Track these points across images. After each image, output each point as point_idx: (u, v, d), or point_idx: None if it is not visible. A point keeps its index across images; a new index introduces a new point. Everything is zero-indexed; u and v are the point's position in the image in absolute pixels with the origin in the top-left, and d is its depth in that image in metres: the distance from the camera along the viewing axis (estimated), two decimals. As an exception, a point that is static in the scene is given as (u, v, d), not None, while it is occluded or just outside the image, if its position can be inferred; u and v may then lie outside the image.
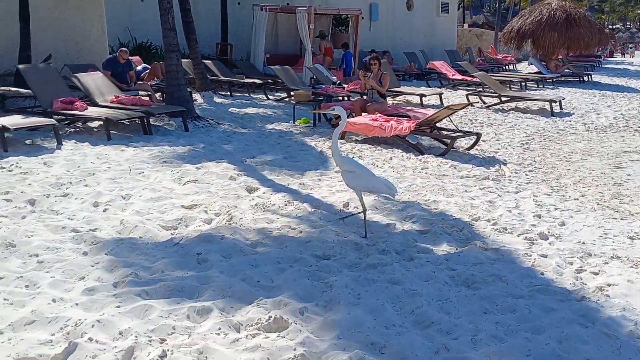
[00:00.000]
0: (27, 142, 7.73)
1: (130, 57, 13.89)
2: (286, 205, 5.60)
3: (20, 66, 9.24)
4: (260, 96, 14.63)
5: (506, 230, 5.14)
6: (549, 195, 6.56)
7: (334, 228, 4.99)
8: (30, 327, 3.08)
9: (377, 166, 7.62)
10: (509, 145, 9.54)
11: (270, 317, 3.24)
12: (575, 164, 8.48)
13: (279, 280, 3.83)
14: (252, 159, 7.67)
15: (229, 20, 18.76)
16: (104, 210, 5.13)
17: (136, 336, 2.98)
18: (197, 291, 3.58)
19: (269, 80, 15.66)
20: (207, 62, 15.59)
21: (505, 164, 8.13)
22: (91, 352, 2.81)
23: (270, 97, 14.58)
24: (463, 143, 9.27)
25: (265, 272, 3.93)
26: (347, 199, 5.84)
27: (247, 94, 14.72)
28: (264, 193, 6.00)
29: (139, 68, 13.31)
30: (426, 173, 7.32)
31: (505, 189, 6.70)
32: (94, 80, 9.72)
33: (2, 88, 10.47)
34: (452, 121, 9.64)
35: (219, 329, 3.12)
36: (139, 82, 12.15)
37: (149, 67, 13.12)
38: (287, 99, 13.86)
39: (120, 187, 5.92)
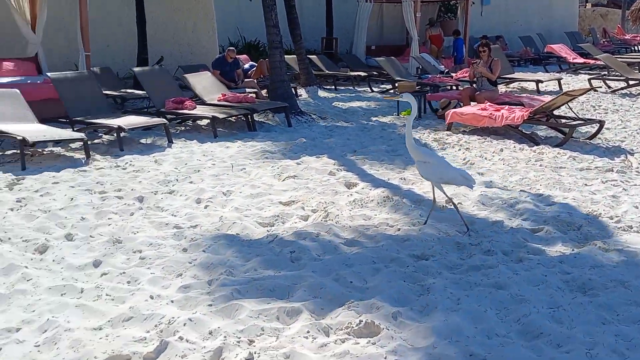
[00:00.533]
0: (142, 141, 8.15)
1: (238, 56, 14.36)
2: (385, 201, 5.39)
3: (136, 69, 9.77)
4: (365, 89, 14.47)
5: (632, 228, 4.58)
6: (686, 188, 5.79)
7: (436, 225, 4.72)
8: (127, 324, 3.15)
9: (485, 158, 7.18)
10: (638, 134, 8.61)
11: (361, 321, 3.08)
12: None
13: (373, 281, 3.65)
14: (353, 153, 7.53)
15: (334, 14, 18.74)
16: (205, 207, 5.23)
17: (225, 336, 2.95)
18: (288, 291, 3.49)
19: (374, 72, 15.44)
20: (312, 57, 15.67)
21: (632, 154, 7.33)
22: (181, 352, 2.81)
23: (375, 89, 14.37)
24: (584, 132, 8.51)
25: (359, 273, 3.76)
26: (451, 194, 5.51)
27: (351, 87, 14.61)
28: (362, 188, 5.83)
29: (246, 66, 13.65)
30: (540, 165, 6.77)
31: (632, 182, 6.02)
32: (203, 80, 10.07)
33: (122, 90, 11.17)
34: (571, 108, 8.88)
35: (308, 332, 3.00)
36: (246, 79, 12.45)
37: (256, 64, 13.42)
38: (392, 91, 13.58)
39: (222, 183, 6.02)
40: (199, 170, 6.54)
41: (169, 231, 4.59)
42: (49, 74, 8.60)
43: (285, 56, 15.55)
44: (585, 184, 5.93)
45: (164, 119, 8.29)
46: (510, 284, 3.56)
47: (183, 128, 9.20)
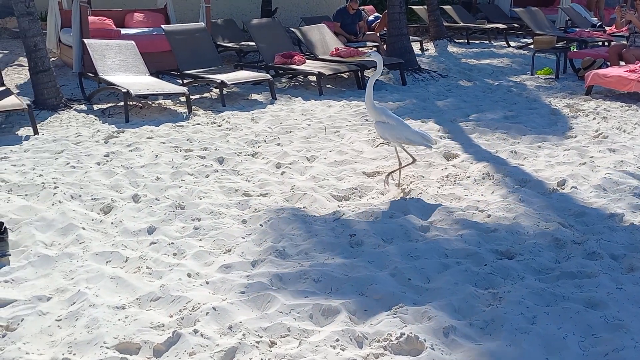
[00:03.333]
0: (249, 97, 8.00)
1: (364, 7, 13.71)
2: (483, 178, 4.68)
3: (251, 21, 9.59)
4: (501, 43, 13.15)
5: None
6: None
7: (538, 213, 3.96)
8: (153, 304, 2.94)
9: (624, 131, 6.04)
10: None
11: (403, 333, 2.57)
12: None
13: (436, 281, 3.09)
14: (465, 118, 6.74)
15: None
16: (282, 173, 4.90)
17: (244, 334, 2.61)
18: (333, 284, 3.06)
19: (515, 25, 13.98)
20: (447, 7, 14.54)
21: None
22: (190, 348, 2.53)
23: (513, 44, 12.99)
24: None
25: (423, 269, 3.21)
26: (567, 175, 4.65)
27: (486, 42, 13.36)
28: (462, 161, 5.13)
29: (370, 18, 12.99)
30: (695, 143, 5.53)
31: None
32: (316, 33, 9.64)
33: (242, 43, 11.13)
34: None
35: (337, 340, 2.56)
36: (369, 32, 11.83)
37: (381, 16, 12.69)
38: (530, 46, 12.16)
39: (310, 147, 5.65)
40: (291, 131, 6.22)
41: (235, 198, 4.34)
42: (163, 26, 8.70)
43: (415, 7, 14.73)
44: None
45: (268, 75, 8.03)
46: (608, 302, 2.81)
47: (292, 84, 8.92)
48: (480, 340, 2.58)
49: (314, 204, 4.23)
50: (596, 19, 13.78)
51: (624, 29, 9.46)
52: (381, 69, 4.47)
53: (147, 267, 3.32)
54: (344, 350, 2.52)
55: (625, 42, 8.72)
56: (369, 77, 8.76)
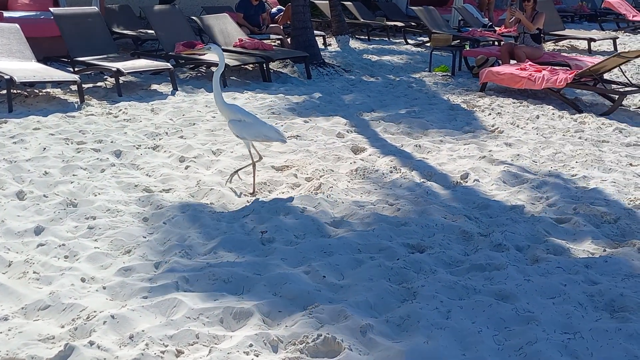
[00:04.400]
0: (147, 87, 7.58)
1: (266, -1, 13.50)
2: (391, 172, 4.70)
3: (146, 9, 9.10)
4: (400, 41, 13.48)
5: (683, 226, 3.78)
6: None
7: (445, 205, 4.03)
8: (41, 314, 2.64)
9: (518, 126, 6.34)
10: (700, 105, 7.54)
11: (320, 335, 2.47)
12: None
13: (350, 278, 3.03)
14: (370, 113, 6.79)
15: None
16: (186, 168, 4.65)
17: (147, 344, 2.39)
18: (245, 284, 2.90)
19: (412, 23, 14.38)
20: (348, 3, 14.66)
21: (691, 130, 6.36)
22: (86, 362, 2.27)
23: (411, 41, 13.36)
24: (636, 100, 7.51)
25: (337, 265, 3.14)
26: (468, 169, 4.79)
27: (386, 39, 13.63)
28: (369, 155, 5.14)
29: (273, 10, 12.81)
30: (580, 138, 5.90)
31: (688, 165, 5.13)
32: (220, 23, 9.34)
33: (139, 31, 10.56)
34: (624, 72, 7.84)
35: (251, 345, 2.41)
36: (272, 25, 11.66)
37: (284, 9, 12.56)
38: (428, 44, 12.56)
39: (215, 140, 5.42)
40: (194, 124, 5.94)
41: (135, 194, 4.04)
42: (51, 9, 8.03)
43: (318, 2, 14.73)
44: (631, 164, 5.09)
45: (169, 64, 7.66)
46: (518, 293, 2.88)
47: (194, 74, 8.58)
48: (397, 338, 2.54)
49: (221, 199, 4.04)
50: (487, 19, 14.50)
51: (512, 28, 9.96)
52: (223, 64, 4.31)
53: (34, 272, 2.98)
54: (258, 356, 2.38)
55: (514, 42, 9.20)
56: (272, 71, 8.70)
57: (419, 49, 12.35)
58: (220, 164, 4.75)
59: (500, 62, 8.91)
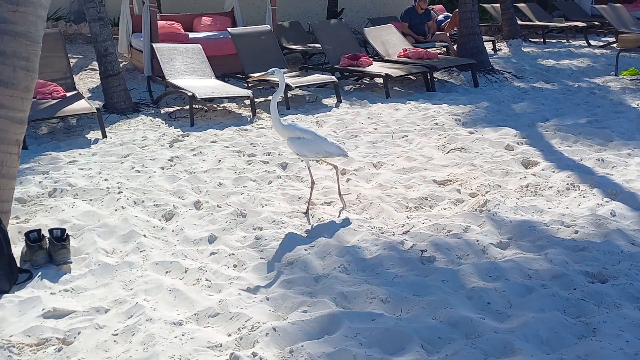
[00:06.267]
0: (315, 99, 7.83)
1: (433, 6, 13.28)
2: (568, 189, 4.28)
3: (314, 23, 9.42)
4: (581, 42, 12.40)
5: None
6: None
7: (632, 229, 3.55)
8: (212, 321, 2.78)
9: None
10: None
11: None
12: None
13: (520, 307, 2.77)
14: (544, 122, 6.28)
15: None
16: (347, 180, 4.68)
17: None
18: (403, 306, 2.79)
19: (595, 23, 13.17)
20: (521, 5, 13.89)
21: None
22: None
23: (594, 43, 12.22)
24: None
25: (504, 291, 2.90)
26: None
27: (564, 41, 12.64)
28: (542, 170, 4.74)
29: (440, 17, 12.55)
30: None
31: None
32: (383, 34, 9.36)
33: (308, 45, 11.00)
34: None
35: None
36: (438, 32, 11.43)
37: (451, 15, 12.24)
38: (614, 45, 11.39)
39: (376, 152, 5.40)
40: (356, 136, 5.98)
41: (298, 206, 4.15)
42: (229, 29, 8.68)
43: (487, 5, 14.15)
44: None
45: (333, 77, 7.83)
46: None
47: (358, 86, 8.69)
48: (573, 382, 2.25)
49: (381, 213, 3.98)
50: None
51: None
52: (283, 87, 4.12)
53: (207, 280, 3.17)
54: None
55: None
56: (437, 80, 8.49)
57: (603, 51, 11.25)
58: (380, 177, 4.70)
59: None
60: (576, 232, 3.55)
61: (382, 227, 3.75)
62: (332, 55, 8.68)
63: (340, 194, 4.16)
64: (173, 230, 3.80)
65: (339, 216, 3.95)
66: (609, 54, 10.63)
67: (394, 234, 3.64)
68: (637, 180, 4.41)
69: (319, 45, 9.73)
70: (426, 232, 3.60)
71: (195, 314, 2.84)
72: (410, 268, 3.19)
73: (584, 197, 4.12)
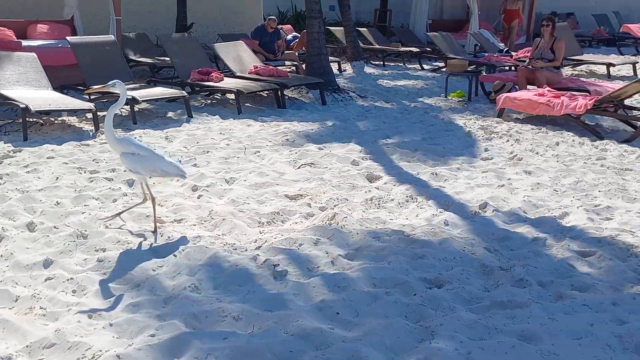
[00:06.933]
0: (164, 115, 7.58)
1: (282, 26, 13.61)
2: (407, 201, 4.59)
3: (161, 36, 9.18)
4: (415, 66, 13.46)
5: None
6: None
7: (463, 237, 3.90)
8: (46, 353, 2.54)
9: (537, 153, 6.21)
10: None
11: (332, 378, 2.34)
12: None
13: (365, 315, 2.91)
14: (386, 139, 6.70)
15: (390, -16, 17.66)
16: (199, 197, 4.58)
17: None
18: (255, 322, 2.79)
19: (427, 49, 14.37)
20: (363, 29, 14.75)
21: None
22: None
23: (427, 67, 13.33)
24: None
25: (351, 301, 3.02)
26: (487, 197, 4.66)
27: (401, 64, 13.62)
28: (385, 184, 5.04)
29: (289, 37, 12.92)
30: (602, 165, 5.75)
31: None
32: (234, 50, 9.39)
33: (156, 58, 10.66)
34: (644, 98, 7.69)
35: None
36: (287, 51, 11.72)
37: (299, 35, 12.63)
38: (443, 69, 12.51)
39: (229, 168, 5.36)
40: (208, 151, 5.90)
41: (146, 225, 3.97)
42: (68, 38, 8.13)
43: (333, 28, 14.83)
44: (656, 193, 4.92)
45: (184, 92, 7.67)
46: (542, 334, 2.73)
47: (209, 102, 8.59)
48: (415, 381, 2.41)
49: (233, 229, 3.96)
50: (503, 44, 14.45)
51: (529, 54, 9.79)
52: (123, 100, 4.01)
53: (41, 308, 2.90)
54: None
55: (531, 58, 9.02)
56: (287, 97, 8.68)
57: (435, 74, 12.30)
58: (234, 193, 4.68)
59: (518, 87, 8.81)
60: (415, 241, 3.82)
61: (234, 244, 3.72)
62: (182, 69, 8.50)
63: (155, 220, 3.92)
64: (2, 255, 3.43)
65: (190, 234, 3.85)
66: (440, 77, 11.66)
67: (246, 250, 3.63)
68: (466, 192, 4.87)
69: (167, 59, 9.47)
70: (278, 247, 3.64)
71: (27, 346, 2.58)
72: (263, 283, 3.20)
73: (421, 208, 4.45)
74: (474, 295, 3.14)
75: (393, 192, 4.80)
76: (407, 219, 4.27)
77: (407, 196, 4.68)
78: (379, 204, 4.53)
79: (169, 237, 3.79)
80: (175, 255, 3.51)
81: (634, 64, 12.26)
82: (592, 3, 20.18)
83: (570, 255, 3.64)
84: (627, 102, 7.51)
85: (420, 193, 4.77)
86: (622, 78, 11.41)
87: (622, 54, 14.90)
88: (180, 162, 4.08)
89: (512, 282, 3.28)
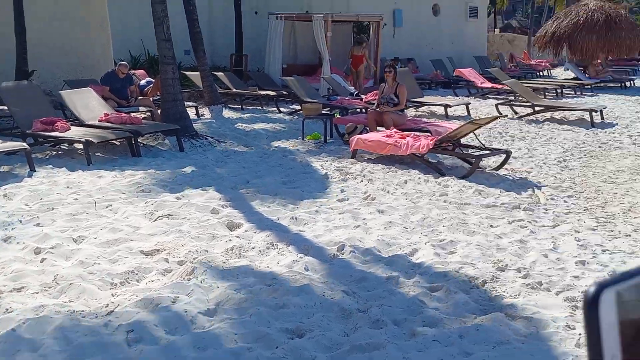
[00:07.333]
0: (1, 169, 6.95)
1: (135, 71, 13.26)
2: (268, 249, 4.61)
3: (3, 84, 8.50)
4: (273, 109, 13.74)
5: (541, 285, 4.03)
6: (594, 230, 5.39)
7: (323, 281, 3.98)
8: None
9: (388, 192, 6.57)
10: (544, 164, 8.36)
11: None
12: (622, 185, 7.26)
13: (227, 375, 2.83)
14: (245, 185, 6.71)
15: (246, 31, 18.03)
16: (42, 261, 4.23)
17: None
18: (107, 397, 2.60)
19: (283, 92, 14.77)
20: (219, 74, 14.81)
21: (539, 188, 6.98)
22: None
23: (284, 110, 13.67)
24: (491, 162, 8.15)
25: (211, 361, 2.93)
26: (345, 239, 4.82)
27: (259, 107, 13.84)
28: (246, 231, 5.02)
29: (142, 82, 12.60)
30: (445, 201, 6.23)
31: (540, 222, 5.57)
32: (82, 98, 8.94)
33: (-8, 107, 9.79)
34: (477, 136, 8.51)
35: None
36: (141, 97, 11.40)
37: (153, 80, 12.37)
38: (300, 112, 12.92)
39: (77, 226, 5.02)
40: (53, 208, 5.49)
41: (-20, 299, 3.57)
42: None
43: (189, 72, 14.72)
44: (491, 225, 5.42)
45: (25, 143, 7.12)
46: (398, 373, 2.85)
47: (54, 153, 8.04)
48: None
49: (82, 295, 3.68)
50: (353, 88, 15.29)
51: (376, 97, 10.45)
52: None
53: None
54: None
55: (378, 102, 9.64)
56: (142, 145, 8.39)
57: (292, 117, 12.64)
58: (82, 253, 4.38)
59: (368, 129, 9.33)
60: (276, 289, 3.82)
61: (83, 310, 3.46)
62: (23, 119, 7.91)
63: None
64: None
65: (32, 304, 3.51)
66: (297, 120, 12.00)
67: (96, 317, 3.39)
68: (324, 235, 5.00)
69: (5, 108, 8.76)
70: (133, 310, 3.45)
71: None
72: (116, 353, 3.00)
73: (281, 255, 4.49)
74: (335, 341, 3.20)
75: (254, 240, 4.80)
76: (268, 267, 4.27)
77: (267, 243, 4.70)
78: (239, 253, 4.49)
79: (6, 310, 3.43)
80: (14, 330, 3.18)
81: (467, 104, 13.57)
82: (428, 49, 22.14)
83: (421, 291, 3.87)
84: (463, 140, 8.26)
85: (281, 239, 4.81)
86: (458, 118, 12.56)
87: (457, 95, 16.44)
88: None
89: (369, 324, 3.40)
